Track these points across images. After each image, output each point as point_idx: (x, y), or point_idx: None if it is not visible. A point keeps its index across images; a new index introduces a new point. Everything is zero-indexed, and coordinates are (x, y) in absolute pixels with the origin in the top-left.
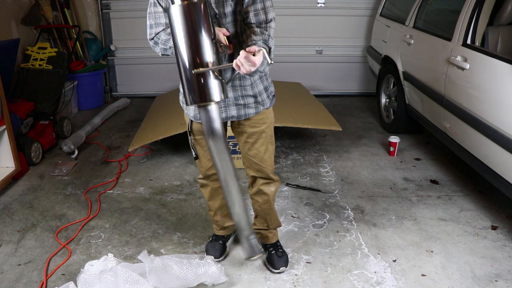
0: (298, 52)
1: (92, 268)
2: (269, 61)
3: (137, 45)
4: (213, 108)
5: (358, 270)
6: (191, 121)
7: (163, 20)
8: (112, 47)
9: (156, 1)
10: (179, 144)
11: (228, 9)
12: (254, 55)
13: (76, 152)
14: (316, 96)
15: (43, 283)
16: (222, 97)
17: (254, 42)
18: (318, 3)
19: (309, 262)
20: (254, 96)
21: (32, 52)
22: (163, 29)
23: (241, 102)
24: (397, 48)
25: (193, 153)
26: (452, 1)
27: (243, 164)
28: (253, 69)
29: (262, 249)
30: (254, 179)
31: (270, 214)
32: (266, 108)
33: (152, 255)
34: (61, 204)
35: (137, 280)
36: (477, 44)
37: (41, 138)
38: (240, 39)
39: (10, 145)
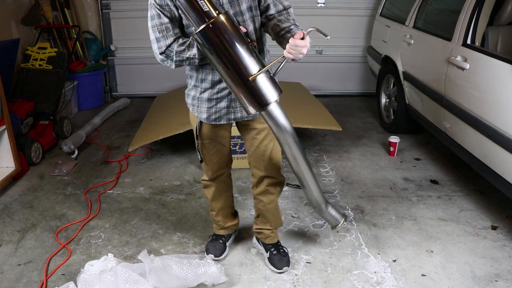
0: None
1: (92, 268)
2: (327, 36)
3: (137, 45)
4: (273, 107)
5: (358, 270)
6: (201, 123)
7: (172, 31)
8: (112, 47)
9: (160, 13)
10: (179, 144)
11: (244, 6)
12: (302, 38)
13: (76, 152)
14: (316, 96)
15: (43, 283)
16: (279, 93)
17: (287, 29)
18: (318, 3)
19: (309, 262)
20: None
21: (32, 52)
22: (174, 40)
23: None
24: (397, 48)
25: (199, 157)
26: (452, 1)
27: (249, 164)
28: (305, 51)
29: (344, 212)
30: (261, 179)
31: (275, 214)
32: None
33: (152, 255)
34: (61, 204)
35: (137, 280)
36: (477, 44)
37: (41, 138)
38: (257, 34)
39: (10, 145)
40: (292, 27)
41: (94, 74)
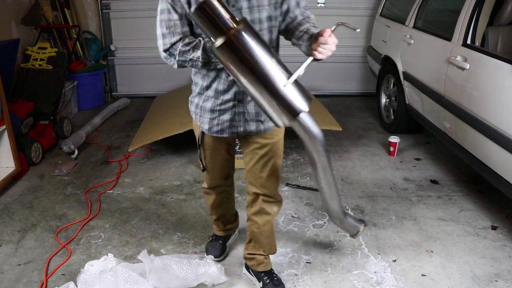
0: (298, 52)
1: (92, 268)
2: (356, 29)
3: (137, 45)
4: (304, 117)
5: (358, 270)
6: (203, 133)
7: (179, 29)
8: (112, 47)
9: (170, 8)
10: (179, 144)
11: (264, 14)
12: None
13: (76, 152)
14: (316, 96)
15: (43, 283)
16: (310, 100)
17: (305, 29)
18: (318, 3)
19: (309, 262)
20: None
21: (32, 52)
22: (181, 39)
23: (262, 118)
24: (397, 48)
25: (202, 166)
26: (452, 1)
27: (245, 179)
28: (334, 48)
29: (362, 220)
30: (256, 196)
31: (270, 238)
32: None
33: (152, 255)
34: (61, 204)
35: (137, 280)
36: (477, 44)
37: (41, 138)
38: (273, 44)
39: (10, 145)
40: (310, 27)
41: (94, 74)
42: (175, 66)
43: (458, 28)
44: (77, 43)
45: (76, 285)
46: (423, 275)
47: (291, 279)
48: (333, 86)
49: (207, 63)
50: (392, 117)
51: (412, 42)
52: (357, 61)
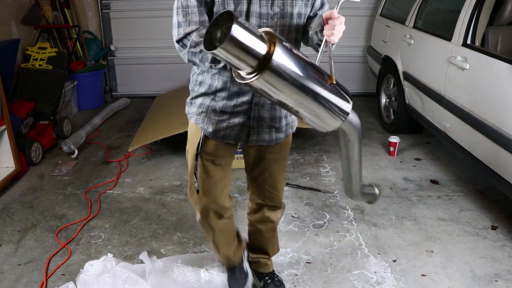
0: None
1: (92, 268)
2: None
3: (137, 45)
4: (351, 112)
5: (358, 270)
6: (205, 138)
7: (196, 17)
8: (112, 47)
9: None
10: (179, 144)
11: (296, 10)
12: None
13: (76, 152)
14: None
15: (43, 283)
16: (350, 95)
17: (309, 20)
18: None
19: (309, 262)
20: (286, 117)
21: (32, 52)
22: (197, 29)
23: (276, 124)
24: (397, 48)
25: (196, 185)
26: (452, 1)
27: (247, 188)
28: (344, 27)
29: (376, 185)
30: (260, 206)
31: (273, 242)
32: (293, 132)
33: (154, 257)
34: (61, 204)
35: (135, 281)
36: (477, 44)
37: (41, 138)
38: (298, 45)
39: (10, 145)
40: (316, 18)
41: (94, 74)
42: (186, 59)
43: (458, 28)
44: (77, 43)
45: (76, 285)
46: (423, 275)
47: (291, 279)
48: None
49: (216, 61)
50: (392, 117)
51: (412, 42)
52: (357, 61)
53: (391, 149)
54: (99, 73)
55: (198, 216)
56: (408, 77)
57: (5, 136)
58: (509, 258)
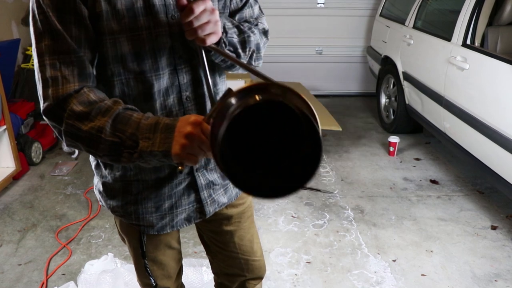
0: (298, 52)
1: (92, 268)
2: None
3: None
4: None
5: (358, 270)
6: (145, 237)
7: (84, 62)
8: None
9: (62, 16)
10: None
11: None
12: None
13: (77, 152)
14: (316, 96)
15: (43, 283)
16: None
17: None
18: (318, 3)
19: (309, 262)
20: None
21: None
22: (84, 87)
23: (227, 180)
24: (397, 48)
25: (152, 281)
26: (452, 1)
27: (213, 271)
28: (209, 17)
29: None
30: (241, 284)
31: None
32: None
33: None
34: (62, 204)
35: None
36: (476, 45)
37: (42, 138)
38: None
39: (10, 145)
40: None
41: None
42: (64, 143)
43: (458, 29)
44: None
45: (77, 285)
46: (422, 275)
47: (291, 279)
48: (333, 86)
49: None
50: (392, 117)
51: (412, 42)
52: (357, 61)
53: (391, 149)
54: None
55: None
56: (408, 77)
57: (6, 136)
58: (508, 258)
